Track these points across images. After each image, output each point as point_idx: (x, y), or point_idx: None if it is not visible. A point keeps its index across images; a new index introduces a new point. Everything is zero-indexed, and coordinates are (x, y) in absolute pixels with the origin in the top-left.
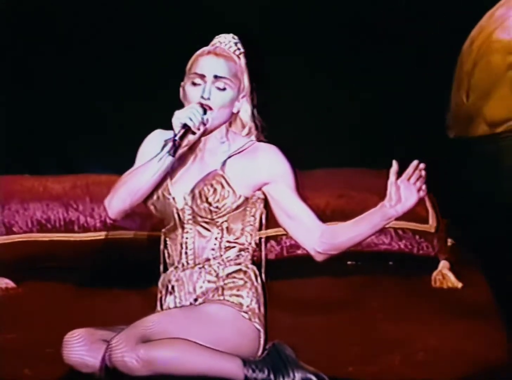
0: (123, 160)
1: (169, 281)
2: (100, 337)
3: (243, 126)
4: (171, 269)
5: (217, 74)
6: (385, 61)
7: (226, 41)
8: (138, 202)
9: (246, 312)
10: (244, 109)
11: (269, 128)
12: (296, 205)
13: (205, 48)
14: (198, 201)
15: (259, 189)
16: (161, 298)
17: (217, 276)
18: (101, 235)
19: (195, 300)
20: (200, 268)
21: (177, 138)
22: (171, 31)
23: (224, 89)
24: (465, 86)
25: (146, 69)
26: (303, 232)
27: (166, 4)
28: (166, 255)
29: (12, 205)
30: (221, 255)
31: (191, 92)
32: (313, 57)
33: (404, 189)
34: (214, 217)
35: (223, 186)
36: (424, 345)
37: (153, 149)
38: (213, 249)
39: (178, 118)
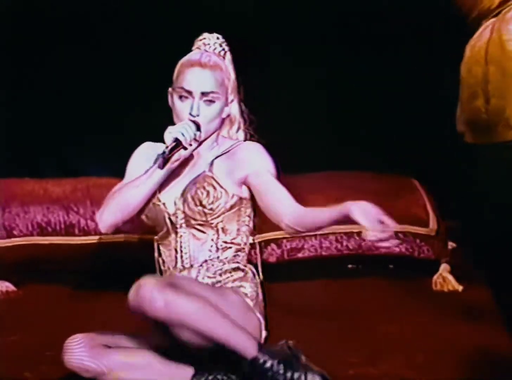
0: (123, 163)
1: None
2: (100, 342)
3: (232, 122)
4: (168, 273)
5: (204, 91)
6: (386, 62)
7: (211, 43)
8: (130, 217)
9: (251, 300)
10: (233, 106)
11: (268, 130)
12: (274, 185)
13: (190, 58)
14: (191, 205)
15: (244, 182)
16: None
17: (215, 273)
18: (101, 238)
19: None
20: (198, 267)
21: (166, 150)
22: (172, 32)
23: (212, 101)
24: (481, 94)
25: (147, 71)
26: (276, 205)
27: (168, 6)
28: (161, 262)
29: (13, 208)
30: (218, 257)
31: (179, 106)
32: (314, 58)
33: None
34: (209, 219)
35: (215, 188)
36: (425, 347)
37: (141, 161)
38: (210, 251)
39: (170, 132)
